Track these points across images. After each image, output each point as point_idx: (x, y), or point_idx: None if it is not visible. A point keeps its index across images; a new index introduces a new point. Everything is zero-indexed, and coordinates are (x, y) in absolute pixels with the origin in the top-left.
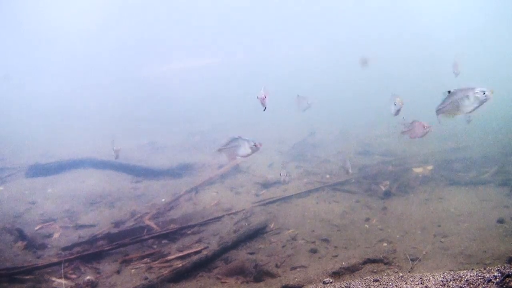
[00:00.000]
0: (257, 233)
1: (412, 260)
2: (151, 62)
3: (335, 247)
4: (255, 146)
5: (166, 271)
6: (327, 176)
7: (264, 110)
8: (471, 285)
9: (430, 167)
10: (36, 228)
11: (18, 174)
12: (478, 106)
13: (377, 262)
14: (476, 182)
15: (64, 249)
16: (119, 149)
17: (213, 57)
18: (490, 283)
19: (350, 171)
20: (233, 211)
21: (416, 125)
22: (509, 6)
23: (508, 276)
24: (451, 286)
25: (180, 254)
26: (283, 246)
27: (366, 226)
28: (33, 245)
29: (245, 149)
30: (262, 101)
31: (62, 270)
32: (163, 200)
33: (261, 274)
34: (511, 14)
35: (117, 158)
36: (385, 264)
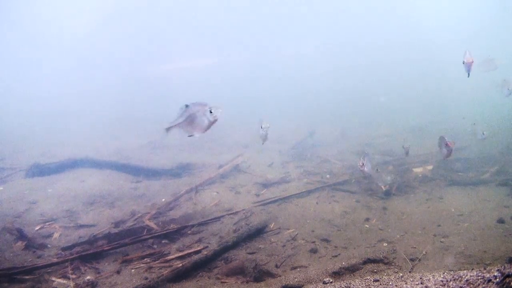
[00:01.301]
0: (257, 233)
1: (412, 260)
2: (151, 62)
3: (335, 247)
4: (447, 145)
5: (166, 271)
6: (327, 176)
7: (468, 76)
8: (471, 285)
9: (430, 167)
10: (36, 228)
11: (18, 174)
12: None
13: (377, 262)
14: (476, 182)
15: (64, 249)
16: (268, 127)
17: (213, 57)
18: (490, 283)
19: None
20: (233, 211)
21: None
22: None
23: (508, 276)
24: (451, 286)
25: (180, 254)
26: (283, 246)
27: (366, 226)
28: (33, 245)
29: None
30: (468, 66)
31: (70, 268)
32: (163, 200)
33: (261, 274)
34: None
35: (265, 139)
36: (385, 264)
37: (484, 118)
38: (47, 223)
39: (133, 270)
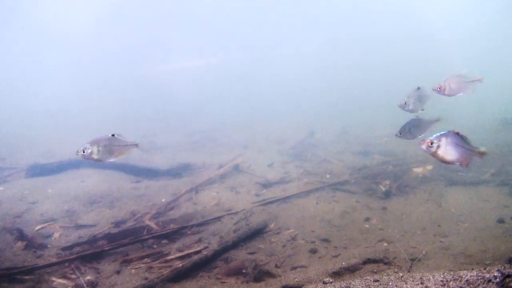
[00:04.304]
0: (257, 233)
1: (412, 260)
2: (151, 62)
3: (335, 247)
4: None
5: (166, 271)
6: (327, 176)
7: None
8: (471, 285)
9: (430, 167)
10: (36, 228)
11: (18, 174)
12: None
13: (377, 262)
14: (476, 182)
15: (64, 249)
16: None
17: (213, 57)
18: (490, 283)
19: None
20: (233, 211)
21: None
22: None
23: (508, 276)
24: (451, 286)
25: (180, 254)
26: (283, 246)
27: (366, 226)
28: (33, 245)
29: None
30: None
31: (70, 268)
32: (163, 200)
33: (261, 274)
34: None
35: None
36: (385, 264)
37: (485, 117)
38: (47, 223)
39: (133, 270)
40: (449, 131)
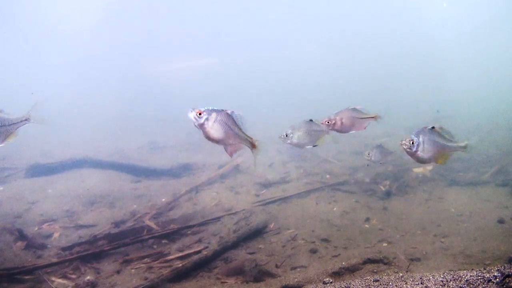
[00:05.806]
0: (257, 233)
1: (412, 260)
2: (151, 62)
3: (335, 247)
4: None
5: (166, 271)
6: (327, 176)
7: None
8: (471, 285)
9: (430, 167)
10: (36, 228)
11: (18, 174)
12: None
13: (377, 262)
14: (476, 182)
15: (64, 249)
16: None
17: (212, 57)
18: (490, 283)
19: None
20: (233, 211)
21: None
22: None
23: (508, 276)
24: (451, 286)
25: (180, 254)
26: (283, 246)
27: (366, 226)
28: (33, 245)
29: None
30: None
31: (69, 268)
32: (163, 200)
33: (261, 274)
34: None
35: None
36: (385, 264)
37: (484, 117)
38: (47, 223)
39: (133, 270)
40: None
